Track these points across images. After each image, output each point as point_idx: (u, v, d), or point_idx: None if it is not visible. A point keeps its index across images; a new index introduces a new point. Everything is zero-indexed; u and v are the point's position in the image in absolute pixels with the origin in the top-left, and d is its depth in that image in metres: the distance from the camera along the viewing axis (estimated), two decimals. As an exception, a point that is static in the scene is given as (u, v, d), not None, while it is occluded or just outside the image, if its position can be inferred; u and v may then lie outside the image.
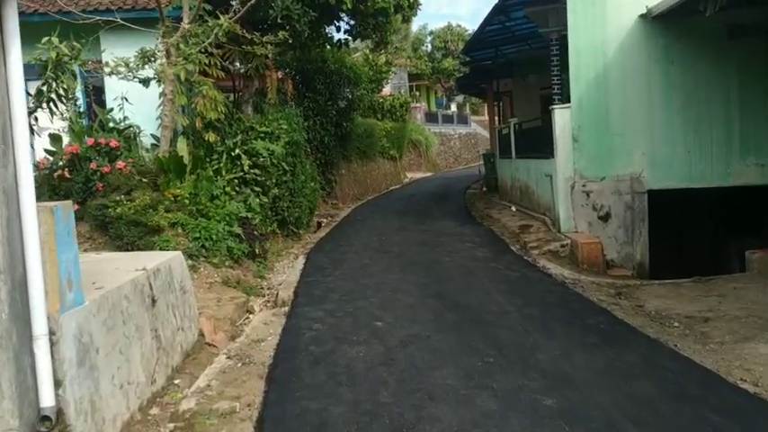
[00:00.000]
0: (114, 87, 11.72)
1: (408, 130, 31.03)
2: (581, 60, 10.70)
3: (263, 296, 8.99)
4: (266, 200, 11.80)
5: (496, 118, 22.54)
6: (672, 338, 6.25)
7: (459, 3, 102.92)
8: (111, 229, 9.42)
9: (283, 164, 12.19)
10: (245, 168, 11.29)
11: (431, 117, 39.72)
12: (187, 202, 10.07)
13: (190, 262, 9.07)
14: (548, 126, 11.69)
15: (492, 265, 9.44)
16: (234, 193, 11.01)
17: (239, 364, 5.68)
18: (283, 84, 18.24)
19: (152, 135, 11.93)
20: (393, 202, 19.54)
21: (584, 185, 10.81)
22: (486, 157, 20.94)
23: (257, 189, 11.48)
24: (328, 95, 18.73)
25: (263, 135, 11.99)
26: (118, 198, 9.50)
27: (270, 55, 15.87)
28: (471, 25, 63.54)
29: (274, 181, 11.92)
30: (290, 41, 15.04)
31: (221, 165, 11.07)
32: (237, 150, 11.35)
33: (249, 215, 10.71)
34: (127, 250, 9.14)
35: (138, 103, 11.35)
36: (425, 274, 8.96)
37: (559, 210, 10.94)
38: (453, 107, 47.09)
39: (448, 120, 41.78)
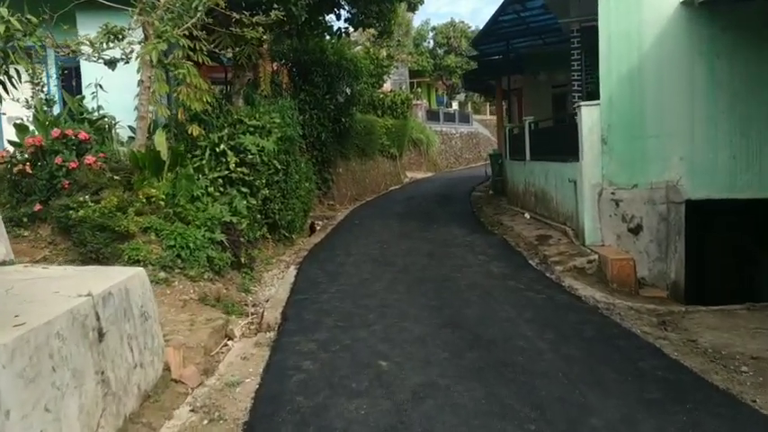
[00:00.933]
0: (93, 74, 10.48)
1: (409, 127, 29.76)
2: (612, 52, 9.47)
3: (247, 315, 7.73)
4: (255, 202, 10.55)
5: (504, 117, 21.35)
6: (745, 389, 5.03)
7: (459, 1, 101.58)
8: (74, 233, 8.21)
9: (275, 162, 10.94)
10: (231, 166, 10.03)
11: (432, 115, 38.44)
12: (162, 203, 8.81)
13: (162, 274, 7.86)
14: (571, 126, 10.47)
15: (511, 284, 8.20)
16: (218, 194, 9.75)
17: (205, 422, 4.42)
18: (278, 75, 16.95)
19: (130, 127, 10.63)
20: (394, 205, 18.29)
21: (612, 193, 9.58)
22: (494, 158, 19.69)
23: (244, 190, 10.22)
24: (326, 89, 17.49)
25: (252, 129, 10.72)
26: (82, 198, 8.24)
27: (264, 43, 14.69)
28: (472, 23, 62.30)
29: (264, 181, 10.67)
30: (286, 27, 13.82)
31: (204, 162, 9.81)
32: (223, 146, 10.08)
33: (234, 219, 9.46)
34: (91, 259, 7.92)
35: (119, 92, 10.08)
36: (436, 295, 7.71)
37: (584, 220, 9.71)
38: (455, 105, 45.86)
39: (449, 118, 40.49)
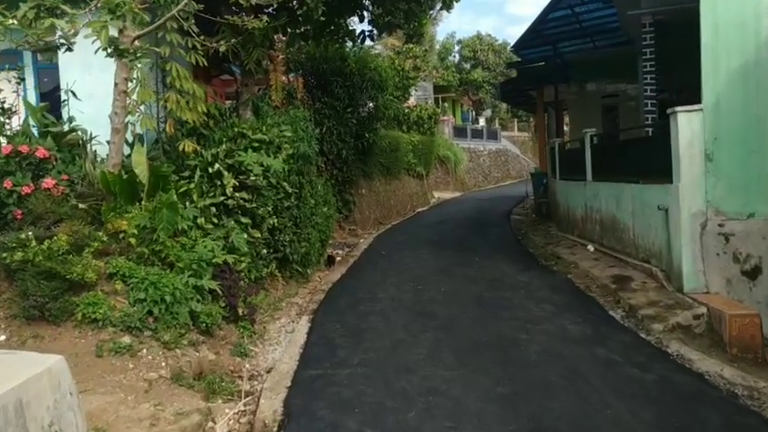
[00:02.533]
0: (73, 77, 8.64)
1: (436, 144, 27.66)
2: (721, 43, 7.27)
3: (239, 398, 5.61)
4: (259, 234, 8.48)
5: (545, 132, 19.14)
6: None
7: (482, 20, 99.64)
8: (16, 280, 6.25)
9: (284, 184, 8.89)
10: (229, 191, 7.98)
11: (459, 131, 36.28)
12: (134, 241, 6.78)
13: (126, 340, 5.86)
14: (658, 138, 8.30)
15: (601, 354, 5.97)
16: (210, 226, 7.70)
17: None
18: (294, 86, 14.98)
19: (108, 142, 8.62)
20: (423, 230, 16.11)
21: (720, 225, 7.33)
22: (536, 178, 17.43)
23: (245, 220, 8.17)
24: (348, 101, 15.51)
25: (257, 145, 8.68)
26: (24, 235, 6.23)
27: (274, 46, 12.76)
28: (498, 37, 59.77)
29: (271, 208, 8.61)
30: (301, 29, 11.88)
31: (192, 185, 7.77)
32: (218, 165, 8.04)
33: (231, 259, 7.38)
34: (34, 317, 5.93)
35: (103, 100, 8.15)
36: (501, 373, 5.49)
37: (681, 259, 7.46)
38: (482, 122, 43.70)
39: (477, 135, 38.30)
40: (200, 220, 7.56)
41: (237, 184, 8.08)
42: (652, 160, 8.29)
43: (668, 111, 7.60)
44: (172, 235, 7.15)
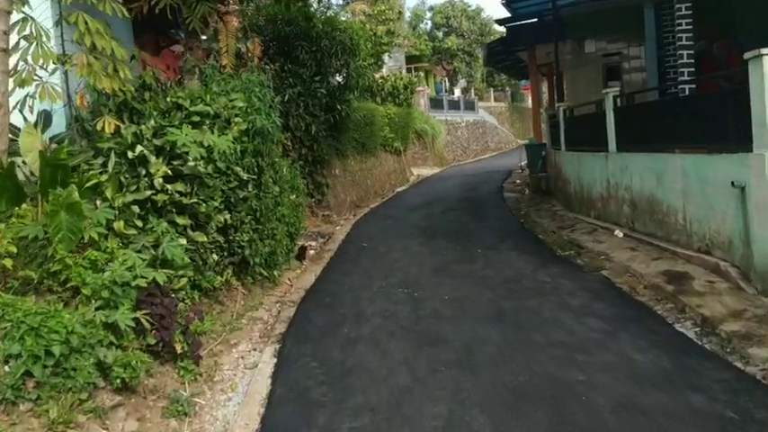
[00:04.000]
0: None
1: (413, 117, 25.57)
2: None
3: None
4: (204, 238, 6.40)
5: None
6: None
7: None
8: None
9: (237, 169, 6.80)
10: (158, 182, 5.86)
11: (435, 103, 34.10)
12: (9, 262, 4.68)
13: (-15, 423, 3.74)
14: (731, 94, 6.39)
15: (704, 407, 4.05)
16: (133, 231, 5.60)
17: None
18: (250, 52, 12.73)
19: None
20: (408, 214, 14.13)
21: (822, 206, 5.48)
22: (532, 150, 15.44)
23: (183, 221, 6.07)
24: (315, 68, 13.35)
25: (197, 119, 6.56)
26: None
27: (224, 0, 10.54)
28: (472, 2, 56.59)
29: (219, 202, 6.52)
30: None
31: (107, 177, 5.64)
32: (141, 148, 5.90)
33: (162, 277, 5.30)
34: None
35: None
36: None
37: (765, 252, 5.61)
38: (457, 92, 41.53)
39: (454, 106, 36.17)
40: (118, 225, 5.47)
41: (170, 172, 5.96)
42: (717, 123, 6.38)
43: (747, 55, 5.66)
44: (75, 248, 5.08)
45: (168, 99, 6.66)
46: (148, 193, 5.80)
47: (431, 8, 43.29)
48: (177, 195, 5.97)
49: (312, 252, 11.24)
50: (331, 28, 14.07)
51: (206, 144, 6.19)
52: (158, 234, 5.67)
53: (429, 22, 43.24)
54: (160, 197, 5.83)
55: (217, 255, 6.98)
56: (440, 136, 30.03)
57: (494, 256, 8.77)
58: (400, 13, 38.89)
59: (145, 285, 5.07)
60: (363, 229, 12.57)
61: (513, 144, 42.93)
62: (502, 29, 17.50)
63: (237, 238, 7.31)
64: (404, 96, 24.24)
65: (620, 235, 8.56)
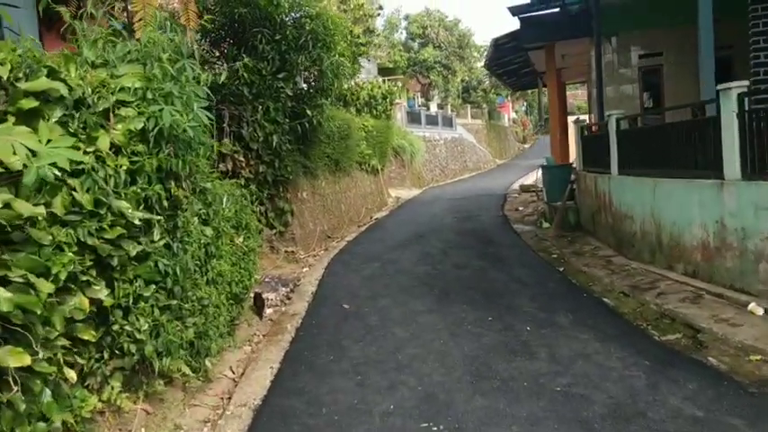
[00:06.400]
0: None
1: (393, 131, 22.42)
2: None
3: None
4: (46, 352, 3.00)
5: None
6: None
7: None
8: None
9: (120, 204, 3.45)
10: None
11: (413, 117, 31.05)
12: None
13: None
14: None
15: None
16: None
17: None
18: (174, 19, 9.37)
19: None
20: (398, 252, 10.84)
21: None
22: (555, 174, 12.26)
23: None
24: (279, 63, 10.18)
25: (34, 105, 3.20)
26: None
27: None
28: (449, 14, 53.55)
29: (68, 268, 3.15)
30: None
31: None
32: None
33: None
34: None
35: None
36: None
37: None
38: (433, 107, 38.49)
39: (432, 121, 33.17)
40: None
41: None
42: None
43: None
44: None
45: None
46: None
47: (406, 16, 40.32)
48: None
49: (270, 310, 7.92)
50: (300, 14, 10.86)
51: (24, 153, 2.82)
52: None
53: (404, 32, 40.28)
54: None
55: (85, 359, 3.65)
56: (418, 154, 26.93)
57: (558, 343, 5.54)
58: (381, 7, 35.85)
59: None
60: (341, 277, 9.25)
61: (492, 164, 40.22)
62: (483, 41, 14.62)
63: (128, 327, 3.98)
64: (382, 107, 21.12)
65: (760, 312, 5.41)
